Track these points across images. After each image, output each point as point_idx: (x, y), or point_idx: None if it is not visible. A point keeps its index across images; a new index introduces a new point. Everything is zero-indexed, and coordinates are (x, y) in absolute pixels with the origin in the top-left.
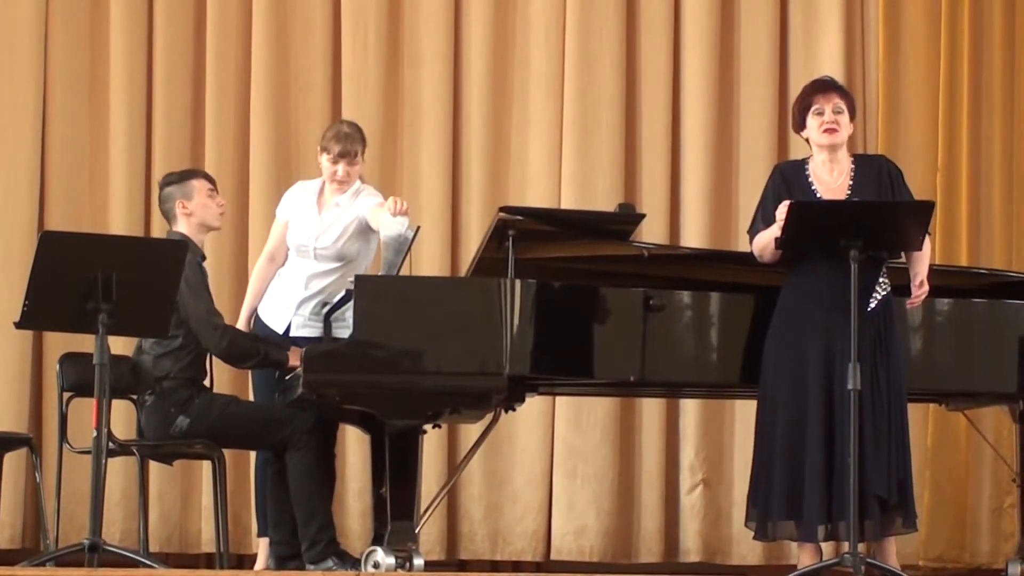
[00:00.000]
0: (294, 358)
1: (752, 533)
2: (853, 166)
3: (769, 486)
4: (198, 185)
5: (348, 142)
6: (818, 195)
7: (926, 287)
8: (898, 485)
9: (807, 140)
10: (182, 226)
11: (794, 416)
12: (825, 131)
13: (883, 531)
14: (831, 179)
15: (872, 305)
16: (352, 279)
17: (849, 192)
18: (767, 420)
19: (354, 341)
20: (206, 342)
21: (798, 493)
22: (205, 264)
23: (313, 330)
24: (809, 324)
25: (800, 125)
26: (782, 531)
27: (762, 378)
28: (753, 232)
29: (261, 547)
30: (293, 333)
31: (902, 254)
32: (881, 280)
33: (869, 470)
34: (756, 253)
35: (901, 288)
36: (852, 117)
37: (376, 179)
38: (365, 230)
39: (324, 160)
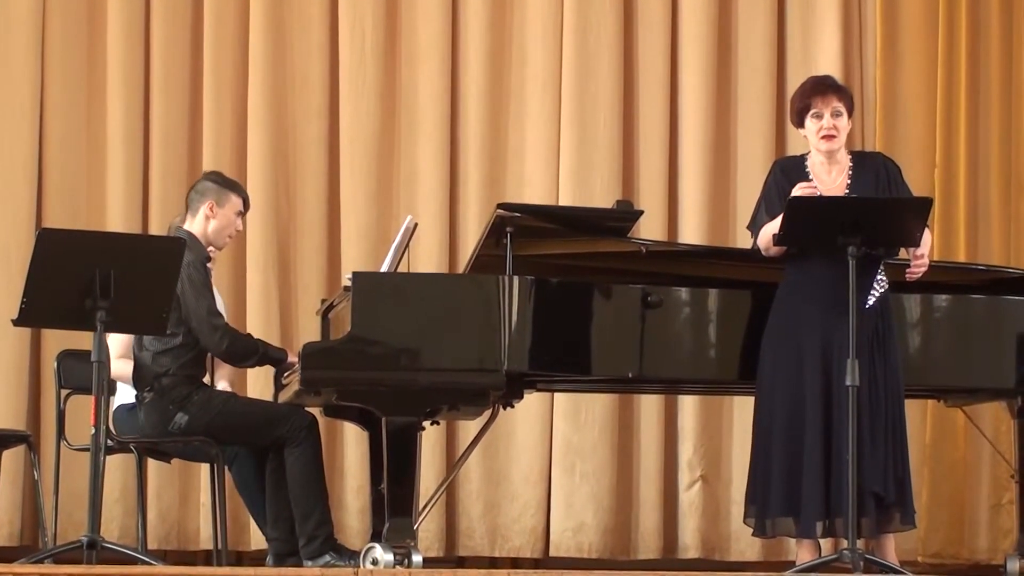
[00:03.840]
0: (293, 355)
1: (751, 530)
2: (851, 164)
3: (767, 482)
4: (235, 201)
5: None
6: (818, 192)
7: (926, 260)
8: (896, 482)
9: (805, 136)
10: (197, 225)
11: (792, 412)
12: (823, 138)
13: (881, 528)
14: (829, 178)
15: (870, 302)
16: (350, 275)
17: (848, 190)
18: (765, 416)
19: (352, 337)
20: (206, 342)
21: (796, 489)
22: None
23: None
24: (807, 321)
25: (798, 123)
26: (780, 527)
27: (759, 374)
28: (755, 226)
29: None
30: None
31: (900, 251)
32: (879, 277)
33: (866, 467)
34: (762, 247)
35: (898, 285)
36: (851, 115)
37: (374, 178)
38: None
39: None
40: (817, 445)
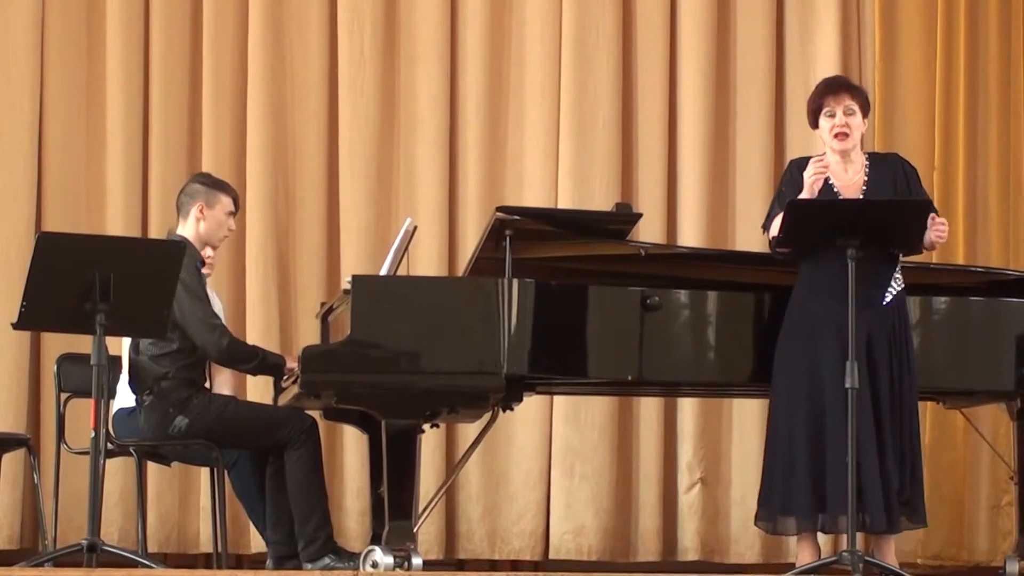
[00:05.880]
0: (291, 361)
1: (750, 532)
2: (867, 164)
3: (790, 481)
4: (225, 201)
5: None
6: (835, 189)
7: (945, 224)
8: (912, 480)
9: (821, 138)
10: (189, 228)
11: (812, 411)
12: (836, 136)
13: (895, 526)
14: (846, 176)
15: (887, 299)
16: (349, 278)
17: (864, 189)
18: (782, 417)
19: (352, 341)
20: (204, 342)
21: (821, 487)
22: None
23: None
24: (823, 318)
25: (813, 124)
26: (786, 527)
27: (775, 374)
28: (769, 223)
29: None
30: None
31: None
32: (896, 275)
33: (888, 463)
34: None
35: (912, 288)
36: (865, 114)
37: (373, 180)
38: None
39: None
40: (840, 443)
